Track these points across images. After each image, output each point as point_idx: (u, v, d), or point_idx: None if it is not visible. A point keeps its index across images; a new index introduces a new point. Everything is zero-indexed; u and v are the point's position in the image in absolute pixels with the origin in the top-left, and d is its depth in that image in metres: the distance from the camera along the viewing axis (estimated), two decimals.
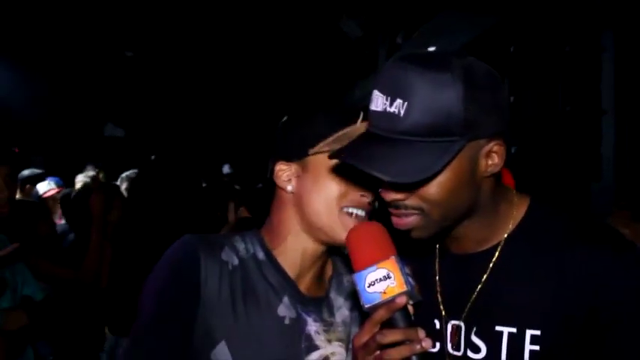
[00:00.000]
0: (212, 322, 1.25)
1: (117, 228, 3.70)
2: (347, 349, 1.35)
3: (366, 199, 1.31)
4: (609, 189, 3.36)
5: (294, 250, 1.35)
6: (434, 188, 1.12)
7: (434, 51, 1.17)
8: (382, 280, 1.09)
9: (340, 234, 1.27)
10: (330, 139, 1.28)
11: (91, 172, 5.94)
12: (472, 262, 1.26)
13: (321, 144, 1.29)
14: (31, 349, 2.70)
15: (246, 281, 1.30)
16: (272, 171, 1.36)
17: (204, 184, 7.11)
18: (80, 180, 5.53)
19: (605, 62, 3.36)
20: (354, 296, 1.33)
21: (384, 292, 1.09)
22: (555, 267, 1.16)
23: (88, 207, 3.52)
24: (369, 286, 1.10)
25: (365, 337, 1.10)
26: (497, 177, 1.20)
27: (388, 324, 1.10)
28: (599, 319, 1.12)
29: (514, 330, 1.17)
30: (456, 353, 1.24)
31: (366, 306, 1.10)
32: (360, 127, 1.27)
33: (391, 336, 1.07)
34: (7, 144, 2.66)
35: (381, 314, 1.09)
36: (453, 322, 1.26)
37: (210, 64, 8.75)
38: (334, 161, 1.26)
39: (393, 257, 1.11)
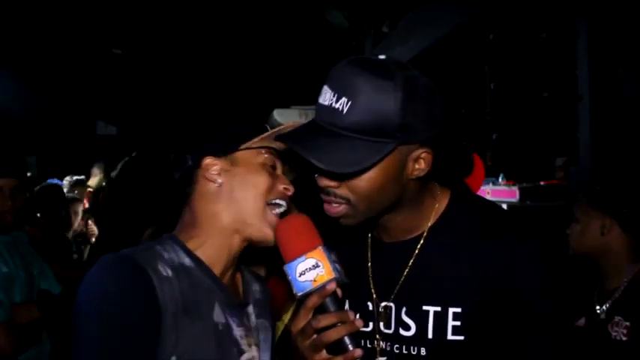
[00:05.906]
0: (163, 335, 1.21)
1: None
2: (259, 352, 1.40)
3: (288, 191, 1.39)
4: (586, 171, 3.49)
5: (219, 246, 1.35)
6: (363, 182, 1.24)
7: (384, 59, 1.27)
8: (312, 269, 1.19)
9: (262, 228, 1.34)
10: (264, 135, 1.36)
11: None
12: (400, 249, 1.38)
13: (254, 140, 1.36)
14: (48, 340, 2.79)
15: (182, 292, 1.27)
16: (197, 165, 1.37)
17: None
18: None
19: (579, 48, 3.47)
20: (260, 305, 1.45)
21: (315, 280, 1.18)
22: (472, 254, 1.31)
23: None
24: (299, 276, 1.19)
25: (301, 323, 1.20)
26: (423, 177, 1.32)
27: (320, 309, 1.20)
28: (505, 300, 1.28)
29: (439, 309, 1.31)
30: (387, 331, 1.36)
31: (299, 294, 1.20)
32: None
33: (325, 320, 1.18)
34: (14, 156, 2.60)
35: (313, 301, 1.19)
36: (384, 303, 1.38)
37: (197, 58, 8.81)
38: (263, 156, 1.36)
39: (320, 247, 1.21)
